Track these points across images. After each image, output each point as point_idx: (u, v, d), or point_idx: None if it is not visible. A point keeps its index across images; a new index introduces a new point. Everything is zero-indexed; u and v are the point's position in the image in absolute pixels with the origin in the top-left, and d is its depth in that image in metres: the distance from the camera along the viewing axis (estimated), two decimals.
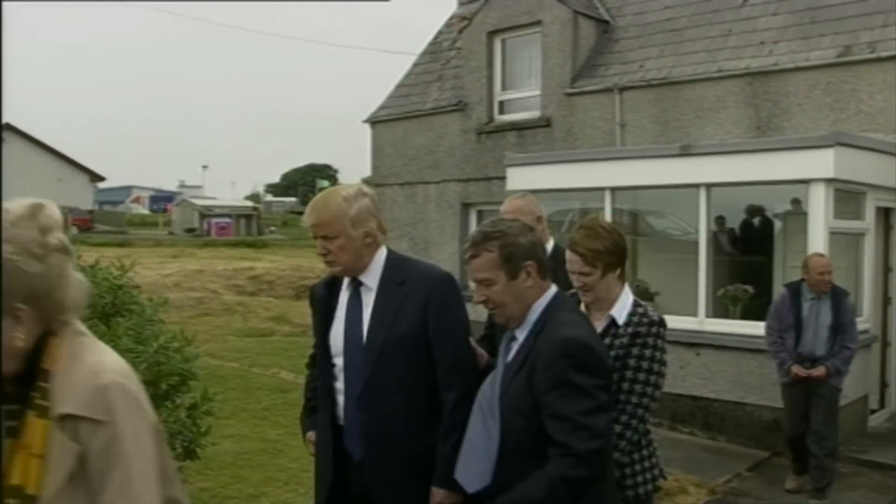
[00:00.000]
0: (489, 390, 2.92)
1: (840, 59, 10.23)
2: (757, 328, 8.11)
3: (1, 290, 1.62)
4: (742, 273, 10.15)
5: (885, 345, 9.84)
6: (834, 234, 8.57)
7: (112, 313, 4.43)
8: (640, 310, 3.37)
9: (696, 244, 9.52)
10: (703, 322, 9.31)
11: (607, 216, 10.21)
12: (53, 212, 1.81)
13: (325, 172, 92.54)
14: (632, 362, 3.27)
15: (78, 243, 5.56)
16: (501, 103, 13.90)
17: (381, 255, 3.24)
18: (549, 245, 4.33)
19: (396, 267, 3.23)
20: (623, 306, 3.36)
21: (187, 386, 4.52)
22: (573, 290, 3.46)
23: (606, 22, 13.04)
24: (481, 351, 3.31)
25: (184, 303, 16.56)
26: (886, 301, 9.85)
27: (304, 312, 14.71)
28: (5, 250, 1.66)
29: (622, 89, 12.11)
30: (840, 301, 7.01)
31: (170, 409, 4.41)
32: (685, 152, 9.38)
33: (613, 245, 3.34)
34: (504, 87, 13.91)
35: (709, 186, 9.24)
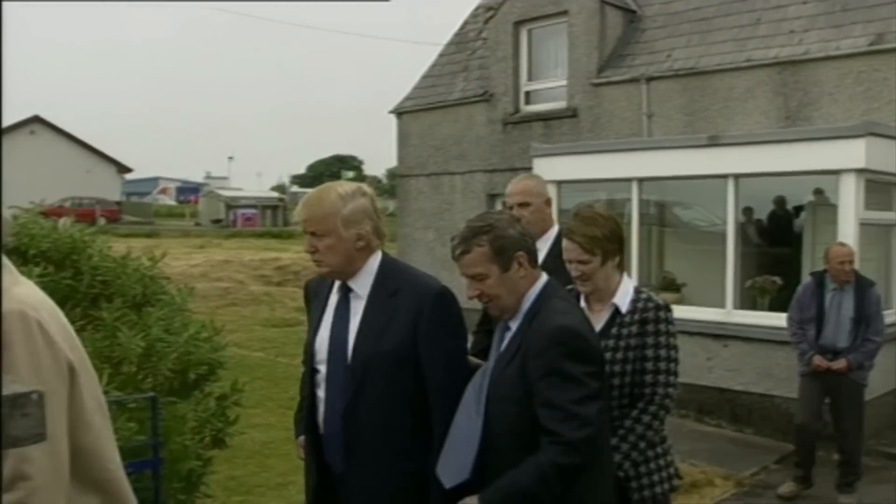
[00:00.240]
0: (478, 381, 2.91)
1: (872, 48, 10.09)
2: (785, 320, 8.03)
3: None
4: (770, 264, 10.07)
5: None
6: (864, 226, 8.47)
7: (143, 303, 4.46)
8: (643, 296, 3.31)
9: (723, 235, 9.43)
10: (730, 313, 9.24)
11: (634, 207, 10.16)
12: None
13: (351, 163, 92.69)
14: (650, 352, 3.21)
15: (107, 234, 5.61)
16: (528, 93, 13.85)
17: (375, 261, 3.04)
18: (554, 230, 4.19)
19: (390, 275, 3.02)
20: (625, 294, 3.31)
21: (216, 375, 4.55)
22: (571, 287, 3.40)
23: (633, 11, 12.96)
24: (477, 362, 3.19)
25: (211, 293, 16.68)
26: None
27: None
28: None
29: (649, 79, 12.03)
30: (864, 292, 6.89)
31: (199, 398, 4.44)
32: (713, 143, 9.30)
33: (611, 232, 3.28)
34: (530, 78, 13.86)
35: (737, 177, 9.16)
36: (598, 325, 3.25)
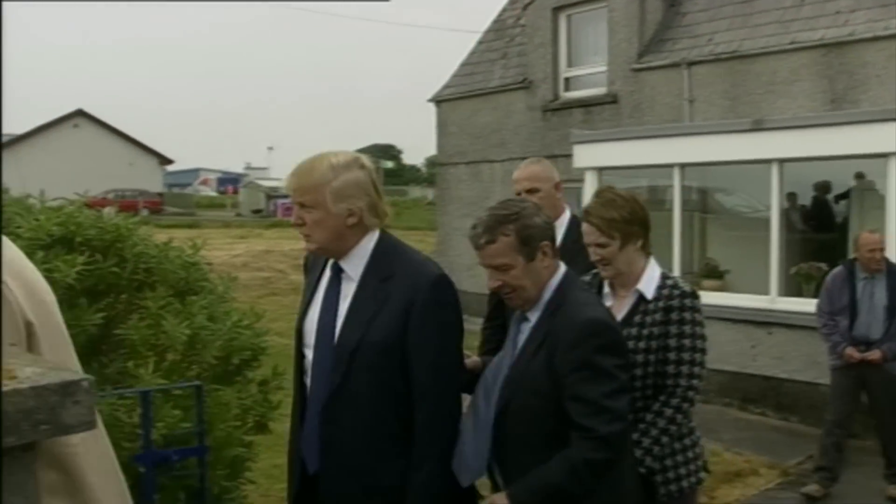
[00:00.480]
0: (492, 375, 2.83)
1: None
2: None
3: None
4: (815, 251, 9.92)
5: None
6: None
7: (186, 291, 4.48)
8: (670, 282, 3.18)
9: (766, 221, 9.31)
10: (774, 300, 9.12)
11: (676, 193, 10.07)
12: None
13: (389, 152, 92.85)
14: (672, 342, 3.07)
15: (149, 224, 5.66)
16: (567, 80, 13.76)
17: (370, 241, 2.77)
18: (566, 215, 4.05)
19: (385, 259, 2.75)
20: (650, 280, 3.17)
21: (258, 361, 4.57)
22: (595, 272, 3.32)
23: None
24: (475, 359, 3.09)
25: (252, 283, 16.80)
26: None
27: None
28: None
29: (690, 64, 11.87)
30: None
31: (242, 384, 4.46)
32: (757, 127, 9.16)
33: (630, 214, 3.15)
34: (570, 64, 13.76)
35: (781, 162, 9.01)
36: (622, 313, 3.16)
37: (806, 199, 10.62)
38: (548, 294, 2.79)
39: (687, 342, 3.07)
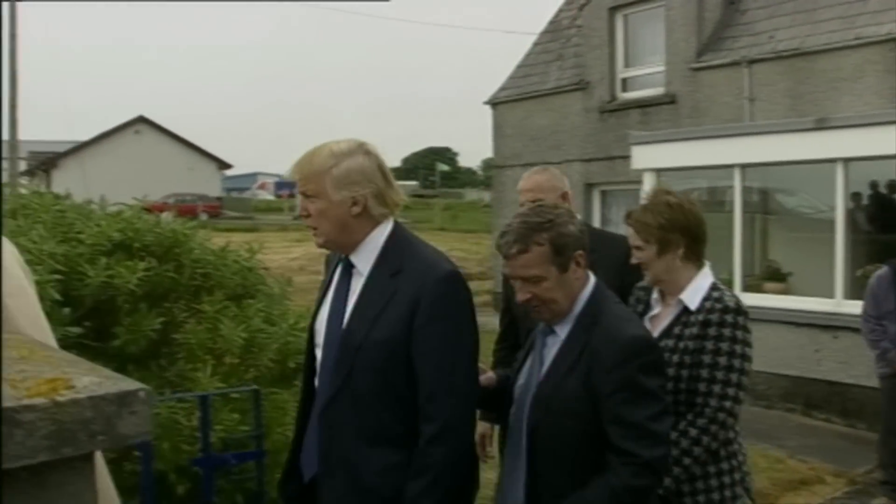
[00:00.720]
0: (521, 394, 2.67)
1: None
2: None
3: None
4: (881, 252, 9.60)
5: None
6: None
7: (243, 295, 4.51)
8: (716, 294, 2.96)
9: (830, 222, 9.11)
10: (840, 304, 8.90)
11: (736, 194, 9.91)
12: None
13: (445, 155, 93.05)
14: (706, 358, 2.87)
15: (207, 228, 5.71)
16: (624, 81, 13.62)
17: (382, 233, 2.59)
18: None
19: (396, 252, 2.57)
20: (695, 290, 2.98)
21: None
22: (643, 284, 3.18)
23: None
24: (490, 374, 2.87)
25: (308, 286, 16.85)
26: None
27: None
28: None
29: (751, 62, 11.65)
30: None
31: (298, 386, 4.48)
32: (820, 126, 8.96)
33: (670, 221, 2.97)
34: (627, 64, 13.63)
35: (846, 161, 8.81)
36: (665, 322, 3.02)
37: (871, 199, 10.35)
38: (579, 307, 2.62)
39: (722, 360, 2.87)
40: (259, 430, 3.71)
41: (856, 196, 9.76)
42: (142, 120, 48.72)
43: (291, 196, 64.01)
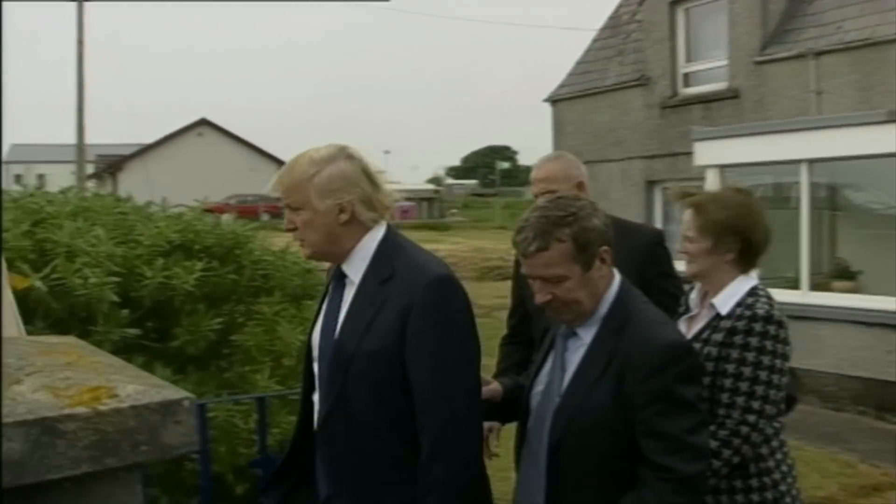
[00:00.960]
0: (541, 400, 2.47)
1: None
2: None
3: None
4: None
5: None
6: None
7: (301, 296, 4.51)
8: (750, 300, 2.72)
9: None
10: None
11: (803, 190, 9.68)
12: None
13: (504, 154, 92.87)
14: (730, 368, 2.66)
15: (267, 229, 5.74)
16: (686, 75, 13.41)
17: (373, 239, 2.46)
18: None
19: (387, 258, 2.44)
20: (731, 294, 2.76)
21: None
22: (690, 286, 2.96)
23: None
24: (495, 385, 2.68)
25: None
26: None
27: (488, 293, 14.82)
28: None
29: (818, 54, 11.35)
30: None
31: None
32: (892, 118, 8.69)
33: (731, 221, 2.76)
34: (688, 59, 13.41)
35: None
36: (698, 326, 2.83)
37: None
38: (604, 307, 2.42)
39: (746, 371, 2.65)
40: None
41: None
42: (204, 122, 49.54)
43: None
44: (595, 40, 15.61)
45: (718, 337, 2.70)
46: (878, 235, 10.17)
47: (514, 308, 3.76)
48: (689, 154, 11.15)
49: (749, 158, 10.19)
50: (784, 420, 2.88)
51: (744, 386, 2.64)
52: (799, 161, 9.65)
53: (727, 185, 3.21)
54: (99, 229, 4.13)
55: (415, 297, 2.33)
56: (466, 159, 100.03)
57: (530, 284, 2.46)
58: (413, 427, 2.35)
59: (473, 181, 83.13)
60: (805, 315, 8.98)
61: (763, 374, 2.65)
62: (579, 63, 15.56)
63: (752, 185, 10.80)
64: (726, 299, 2.76)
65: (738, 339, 2.67)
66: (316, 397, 2.53)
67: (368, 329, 2.37)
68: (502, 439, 3.27)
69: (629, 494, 2.28)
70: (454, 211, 55.02)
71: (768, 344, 2.66)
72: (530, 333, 3.42)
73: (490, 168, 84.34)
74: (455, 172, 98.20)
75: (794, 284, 9.85)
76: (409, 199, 50.48)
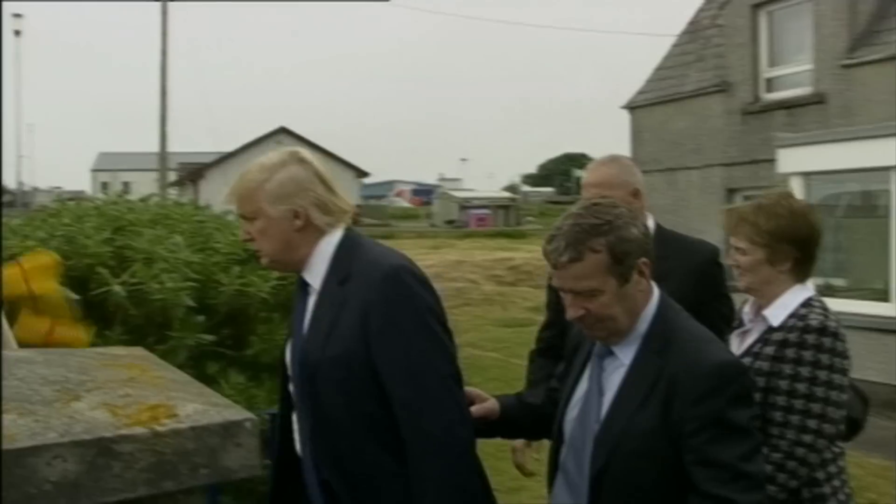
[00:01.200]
0: (577, 425, 2.29)
1: None
2: None
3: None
4: None
5: None
6: None
7: None
8: (803, 311, 2.57)
9: None
10: None
11: (892, 198, 9.33)
12: None
13: (580, 161, 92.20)
14: (783, 384, 2.51)
15: None
16: (768, 81, 13.09)
17: (329, 244, 2.37)
18: (651, 224, 3.05)
19: (346, 259, 2.34)
20: (784, 305, 2.61)
21: None
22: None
23: None
24: (491, 403, 2.51)
25: (444, 293, 16.95)
26: None
27: None
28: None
29: None
30: None
31: None
32: None
33: (786, 230, 2.62)
34: (771, 64, 13.09)
35: None
36: (749, 340, 2.68)
37: None
38: (644, 325, 2.23)
39: (801, 387, 2.49)
40: None
41: None
42: (283, 131, 50.28)
43: (427, 203, 64.93)
44: (674, 46, 15.40)
45: (770, 350, 2.56)
46: None
47: (549, 321, 3.59)
48: (770, 161, 10.87)
49: (835, 165, 9.89)
50: (844, 446, 2.69)
51: (798, 404, 2.49)
52: (888, 168, 9.31)
53: (779, 192, 2.98)
54: (177, 237, 4.19)
55: (371, 294, 2.24)
56: (542, 167, 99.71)
57: (562, 298, 2.28)
58: (395, 435, 2.23)
59: (549, 189, 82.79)
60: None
61: (819, 391, 2.49)
62: (658, 69, 15.35)
63: (839, 193, 10.52)
64: (779, 310, 2.62)
65: (790, 352, 2.53)
66: (294, 416, 2.42)
67: (330, 334, 2.27)
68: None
69: None
70: (530, 219, 54.89)
71: (823, 357, 2.51)
72: (563, 324, 3.15)
73: (566, 176, 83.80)
74: (531, 180, 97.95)
75: (883, 296, 9.50)
76: (485, 206, 50.54)
